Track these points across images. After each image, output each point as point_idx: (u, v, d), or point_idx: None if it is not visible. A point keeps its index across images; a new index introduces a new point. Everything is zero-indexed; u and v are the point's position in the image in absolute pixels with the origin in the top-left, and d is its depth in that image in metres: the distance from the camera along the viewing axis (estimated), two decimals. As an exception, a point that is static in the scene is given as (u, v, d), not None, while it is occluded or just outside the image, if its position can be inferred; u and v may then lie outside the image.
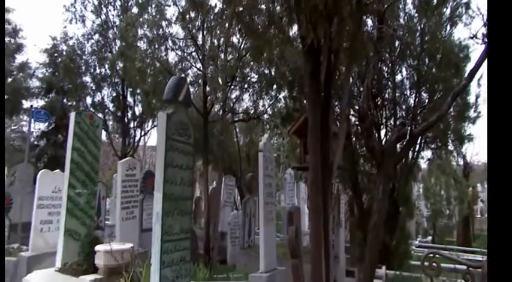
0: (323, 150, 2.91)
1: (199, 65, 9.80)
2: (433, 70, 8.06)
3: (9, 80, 11.62)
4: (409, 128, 7.22)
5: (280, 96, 10.96)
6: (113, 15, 14.33)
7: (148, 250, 5.79)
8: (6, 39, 11.73)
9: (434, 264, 3.88)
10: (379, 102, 8.47)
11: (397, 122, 8.28)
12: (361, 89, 7.78)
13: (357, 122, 8.27)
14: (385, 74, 8.53)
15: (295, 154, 14.64)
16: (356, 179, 8.13)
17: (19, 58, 12.28)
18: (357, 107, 8.00)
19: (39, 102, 14.87)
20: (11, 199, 8.89)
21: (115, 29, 14.14)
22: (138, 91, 13.00)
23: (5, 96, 11.03)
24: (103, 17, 14.23)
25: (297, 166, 7.07)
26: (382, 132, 8.57)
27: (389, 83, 8.58)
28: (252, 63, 10.15)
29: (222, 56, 9.51)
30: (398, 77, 8.78)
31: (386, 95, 8.68)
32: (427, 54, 8.08)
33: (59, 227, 4.58)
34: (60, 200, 5.03)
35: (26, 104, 12.19)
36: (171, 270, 3.13)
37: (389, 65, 8.36)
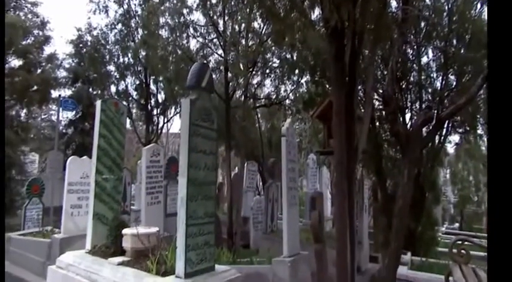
0: (348, 134, 2.86)
1: (220, 51, 9.78)
2: (462, 51, 7.73)
3: (39, 71, 11.99)
4: (435, 111, 7.01)
5: (302, 81, 10.88)
6: (135, 5, 14.46)
7: (172, 234, 5.93)
8: (35, 31, 12.06)
9: (463, 251, 3.80)
10: (403, 86, 8.25)
11: (423, 106, 8.05)
12: (385, 72, 7.58)
13: (381, 106, 8.09)
14: (410, 57, 8.26)
15: (318, 139, 14.54)
16: (380, 164, 7.99)
17: (47, 50, 12.64)
18: (380, 91, 7.81)
19: (66, 92, 15.37)
20: (43, 185, 9.28)
21: (137, 18, 14.29)
22: (161, 79, 13.16)
23: (35, 87, 11.38)
24: (125, 6, 14.38)
25: (321, 150, 7.01)
26: (407, 116, 8.37)
27: (415, 65, 8.31)
28: (273, 48, 10.07)
29: (244, 41, 9.45)
30: (424, 59, 8.50)
31: (412, 78, 8.42)
32: (455, 35, 7.75)
33: (87, 211, 4.73)
34: (88, 186, 5.20)
35: (54, 93, 12.60)
36: (196, 253, 3.19)
37: (415, 47, 8.08)
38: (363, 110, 5.66)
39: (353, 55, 3.54)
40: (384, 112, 8.00)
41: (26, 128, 12.11)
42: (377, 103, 8.13)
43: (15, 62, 11.71)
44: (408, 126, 7.60)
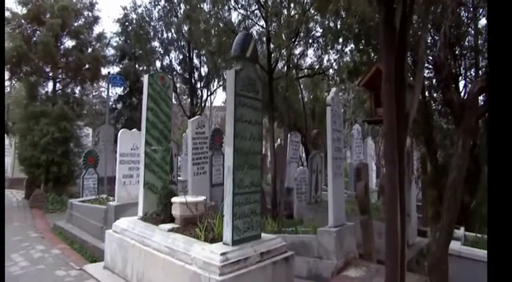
0: (398, 102, 2.72)
1: (262, 22, 9.62)
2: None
3: (89, 50, 12.53)
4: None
5: (346, 49, 10.46)
6: (177, -19, 14.43)
7: (217, 203, 6.13)
8: (85, 13, 12.52)
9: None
10: (457, 51, 7.66)
11: (479, 72, 7.46)
12: (437, 38, 7.06)
13: (431, 74, 7.61)
14: (465, 20, 7.60)
15: (364, 109, 14.08)
16: (430, 134, 7.60)
17: (96, 29, 13.12)
18: (430, 58, 7.32)
19: (114, 69, 15.97)
20: (97, 156, 9.89)
21: (179, -7, 14.30)
22: (204, 52, 13.23)
23: (87, 66, 11.91)
24: (168, -18, 14.41)
25: (368, 119, 6.79)
26: (461, 84, 7.82)
27: (470, 29, 7.65)
28: (316, 17, 9.71)
29: (286, 11, 9.20)
30: (482, 23, 7.78)
31: (467, 43, 7.79)
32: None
33: (138, 181, 4.99)
34: (138, 157, 5.45)
35: (104, 71, 13.12)
36: (243, 221, 3.27)
37: (471, 9, 7.41)
38: (411, 78, 5.36)
39: (404, 19, 3.32)
40: (434, 80, 7.54)
41: (80, 104, 12.80)
42: (427, 71, 7.67)
43: (68, 43, 12.34)
44: (462, 94, 7.11)
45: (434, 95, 8.32)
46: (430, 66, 7.48)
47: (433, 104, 8.32)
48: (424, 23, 4.42)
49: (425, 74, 7.49)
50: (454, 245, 4.28)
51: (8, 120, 20.49)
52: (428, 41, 7.41)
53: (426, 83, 7.64)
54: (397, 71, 3.02)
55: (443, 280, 3.95)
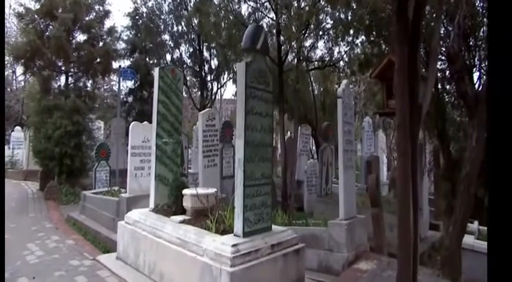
0: (411, 93, 2.68)
1: (272, 14, 9.56)
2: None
3: (101, 44, 12.61)
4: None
5: (357, 41, 10.33)
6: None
7: (228, 196, 6.15)
8: (96, 7, 12.59)
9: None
10: (471, 42, 7.49)
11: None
12: (450, 29, 6.91)
13: (445, 66, 7.47)
14: (480, 10, 7.42)
15: (376, 101, 13.92)
16: (443, 127, 7.50)
17: (107, 23, 13.23)
18: (444, 49, 7.18)
19: (125, 63, 16.08)
20: (109, 149, 10.01)
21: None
22: (214, 45, 13.22)
23: (98, 59, 12.00)
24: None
25: (379, 112, 6.73)
26: (475, 75, 7.67)
27: (485, 19, 7.47)
28: (327, 8, 9.59)
29: (296, 3, 9.11)
30: (497, 12, 7.57)
31: (481, 34, 7.61)
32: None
33: (149, 173, 5.03)
34: (150, 149, 5.49)
35: (115, 65, 13.20)
36: (254, 213, 3.27)
37: (486, -2, 7.22)
38: (424, 70, 5.28)
39: (417, 9, 3.26)
40: (448, 72, 7.40)
41: (92, 97, 12.92)
42: (440, 63, 7.53)
43: (80, 37, 12.44)
44: (476, 86, 6.97)
45: (448, 87, 8.19)
46: (444, 58, 7.35)
47: (446, 96, 8.19)
48: (438, 13, 4.34)
49: (438, 66, 7.36)
50: (468, 239, 4.24)
51: (22, 114, 20.87)
52: (442, 31, 7.26)
53: (439, 74, 7.52)
54: (410, 62, 2.97)
55: (457, 274, 3.93)
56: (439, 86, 7.78)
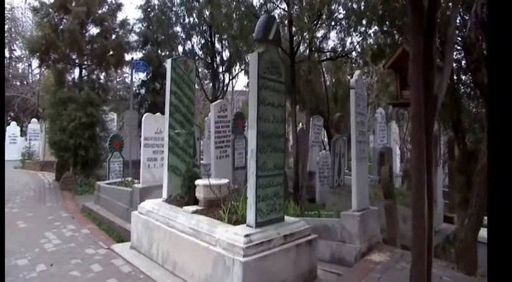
0: (426, 83, 2.63)
1: (284, 5, 9.46)
2: None
3: (113, 36, 12.70)
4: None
5: (370, 31, 10.16)
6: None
7: (240, 187, 6.18)
8: (108, 0, 12.66)
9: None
10: (489, 32, 7.28)
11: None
12: (467, 17, 6.73)
13: (460, 56, 7.30)
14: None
15: (388, 92, 13.71)
16: (458, 118, 7.35)
17: (119, 16, 13.25)
18: (460, 39, 7.00)
19: (137, 55, 16.13)
20: (123, 140, 10.14)
21: (201, -23, 14.17)
22: (225, 36, 13.16)
23: (111, 52, 12.09)
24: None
25: (393, 102, 6.63)
26: (492, 65, 7.46)
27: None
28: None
29: (308, -7, 8.97)
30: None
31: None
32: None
33: (162, 164, 5.08)
34: (162, 140, 5.53)
35: (127, 57, 13.29)
36: (266, 204, 3.29)
37: (504, -15, 6.99)
38: (439, 60, 5.16)
39: (433, -3, 3.19)
40: (464, 62, 7.23)
41: (106, 89, 13.06)
42: (456, 52, 7.36)
43: (93, 30, 12.55)
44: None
45: (463, 77, 8.01)
46: (460, 47, 7.17)
47: (462, 87, 8.02)
48: (454, 1, 4.22)
49: (454, 56, 7.20)
50: (483, 233, 4.16)
51: (38, 106, 21.23)
52: (458, 20, 7.08)
53: (455, 64, 7.35)
54: (425, 52, 2.91)
55: (472, 267, 3.88)
56: (455, 77, 7.62)
